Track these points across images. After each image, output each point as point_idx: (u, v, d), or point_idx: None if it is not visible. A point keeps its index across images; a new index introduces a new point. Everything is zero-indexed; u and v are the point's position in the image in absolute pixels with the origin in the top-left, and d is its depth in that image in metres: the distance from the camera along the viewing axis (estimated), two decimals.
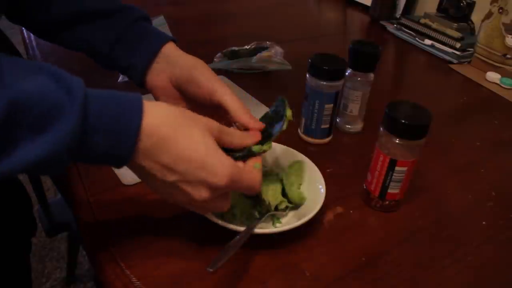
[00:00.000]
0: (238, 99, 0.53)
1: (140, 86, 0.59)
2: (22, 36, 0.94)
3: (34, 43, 0.91)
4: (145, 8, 0.72)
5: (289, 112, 0.53)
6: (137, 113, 0.39)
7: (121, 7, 0.59)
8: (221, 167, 0.42)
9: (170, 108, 0.43)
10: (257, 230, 0.49)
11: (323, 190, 0.56)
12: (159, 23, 0.91)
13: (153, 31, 0.59)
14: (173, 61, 0.57)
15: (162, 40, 0.58)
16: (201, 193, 0.42)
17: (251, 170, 0.47)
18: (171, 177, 0.41)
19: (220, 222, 0.50)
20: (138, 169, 0.42)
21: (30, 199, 0.81)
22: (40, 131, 0.35)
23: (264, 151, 0.50)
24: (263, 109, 0.77)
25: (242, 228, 0.49)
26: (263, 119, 0.54)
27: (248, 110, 0.53)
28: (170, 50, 0.57)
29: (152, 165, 0.41)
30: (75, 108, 0.35)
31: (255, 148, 0.49)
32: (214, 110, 0.54)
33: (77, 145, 0.37)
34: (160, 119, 0.41)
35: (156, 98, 0.58)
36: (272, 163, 0.62)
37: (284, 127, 0.52)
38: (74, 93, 0.36)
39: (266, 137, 0.52)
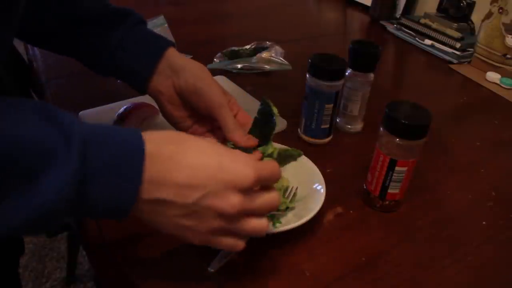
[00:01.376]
0: (231, 115, 0.54)
1: (142, 92, 0.58)
2: None
3: None
4: (145, 8, 0.72)
5: (275, 109, 0.54)
6: (139, 152, 0.35)
7: (117, 10, 0.58)
8: (241, 162, 0.38)
9: (169, 131, 0.40)
10: None
11: (323, 190, 0.56)
12: (159, 23, 0.91)
13: (153, 35, 0.59)
14: (178, 69, 0.55)
15: (164, 44, 0.57)
16: (232, 200, 0.37)
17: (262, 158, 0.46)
18: (193, 195, 0.36)
19: None
20: (152, 207, 0.37)
21: None
22: (32, 181, 0.30)
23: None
24: None
25: None
26: (254, 125, 0.55)
27: (240, 127, 0.53)
28: (173, 56, 0.57)
29: (167, 191, 0.36)
30: (72, 153, 0.32)
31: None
32: (214, 123, 0.55)
33: (76, 193, 0.33)
34: (160, 140, 0.37)
35: (160, 103, 0.58)
36: None
37: (276, 123, 0.53)
38: (68, 134, 0.32)
39: (264, 139, 0.52)
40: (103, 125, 0.36)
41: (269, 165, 0.41)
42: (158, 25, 0.90)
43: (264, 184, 0.41)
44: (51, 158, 0.31)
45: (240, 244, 0.41)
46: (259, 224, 0.41)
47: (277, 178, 0.41)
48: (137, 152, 0.35)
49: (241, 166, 0.38)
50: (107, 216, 0.37)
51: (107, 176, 0.34)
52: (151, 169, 0.35)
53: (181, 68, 0.55)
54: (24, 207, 0.31)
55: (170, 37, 0.88)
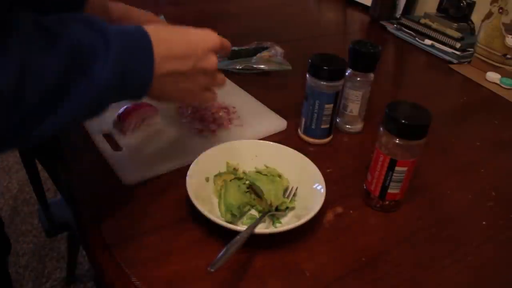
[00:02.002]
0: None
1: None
2: None
3: None
4: (145, 8, 0.73)
5: None
6: (147, 40, 0.45)
7: None
8: (207, 32, 0.52)
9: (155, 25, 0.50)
10: (257, 230, 0.50)
11: (323, 190, 0.56)
12: None
13: None
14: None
15: None
16: (213, 60, 0.52)
17: None
18: (189, 62, 0.49)
19: (220, 222, 0.50)
20: (163, 79, 0.47)
21: (1, 220, 0.80)
22: (86, 73, 0.39)
23: None
24: (264, 110, 0.77)
25: (242, 228, 0.49)
26: None
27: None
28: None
29: (172, 62, 0.47)
30: (113, 50, 0.41)
31: None
32: None
33: (120, 71, 0.42)
34: (154, 29, 0.47)
35: None
36: (274, 163, 0.62)
37: None
38: (108, 37, 0.41)
39: None
40: (120, 27, 0.45)
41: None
42: None
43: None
44: (96, 55, 0.40)
45: (215, 96, 0.57)
46: (223, 77, 0.57)
47: (227, 46, 0.56)
48: (147, 41, 0.45)
49: (211, 34, 0.52)
50: (137, 93, 0.47)
51: (130, 59, 0.44)
52: (158, 49, 0.46)
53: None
54: (84, 91, 0.40)
55: None
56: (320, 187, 0.56)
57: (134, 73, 0.44)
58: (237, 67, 0.90)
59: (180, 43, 0.49)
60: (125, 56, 0.43)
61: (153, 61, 0.45)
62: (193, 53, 0.50)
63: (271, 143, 0.64)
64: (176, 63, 0.48)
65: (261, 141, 0.66)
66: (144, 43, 0.45)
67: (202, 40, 0.51)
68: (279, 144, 0.63)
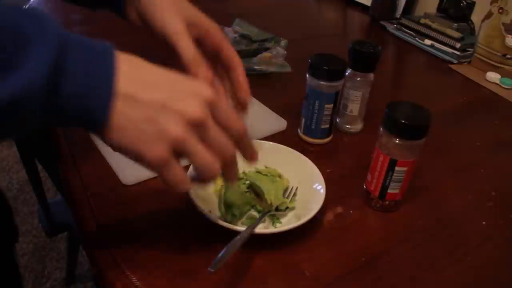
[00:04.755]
0: (189, 44, 0.47)
1: (123, 18, 0.56)
2: None
3: None
4: None
5: None
6: (110, 50, 0.36)
7: None
8: (200, 82, 0.39)
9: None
10: (257, 230, 0.50)
11: (323, 190, 0.56)
12: None
13: None
14: None
15: None
16: (196, 106, 0.37)
17: None
18: (159, 93, 0.36)
19: (220, 222, 0.50)
20: (122, 105, 0.35)
21: (10, 207, 0.79)
22: (10, 65, 0.30)
23: None
24: (264, 110, 0.77)
25: (242, 228, 0.49)
26: None
27: (203, 61, 0.47)
28: None
29: (135, 86, 0.35)
30: (49, 37, 0.31)
31: None
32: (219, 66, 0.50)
33: (54, 79, 0.32)
34: (126, 54, 0.37)
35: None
36: (274, 163, 0.62)
37: None
38: (44, 24, 0.32)
39: None
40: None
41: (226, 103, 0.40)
42: None
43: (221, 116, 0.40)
44: (26, 43, 0.31)
45: (187, 183, 0.39)
46: (226, 142, 0.39)
47: (233, 119, 0.40)
48: (109, 51, 0.35)
49: (201, 83, 0.39)
50: (81, 120, 0.35)
51: (82, 65, 0.33)
52: (123, 65, 0.35)
53: None
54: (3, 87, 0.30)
55: None
56: (320, 187, 0.56)
57: (85, 76, 0.33)
58: None
59: (155, 72, 0.38)
60: (72, 50, 0.33)
61: (113, 68, 0.34)
62: (169, 85, 0.37)
63: (271, 143, 0.64)
64: (144, 86, 0.36)
65: (261, 141, 0.66)
66: (104, 48, 0.35)
67: (189, 83, 0.38)
68: (279, 144, 0.63)
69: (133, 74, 0.36)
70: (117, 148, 0.37)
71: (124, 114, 0.35)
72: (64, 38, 0.33)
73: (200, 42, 0.52)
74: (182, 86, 0.38)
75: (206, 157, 0.38)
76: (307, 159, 0.61)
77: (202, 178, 0.41)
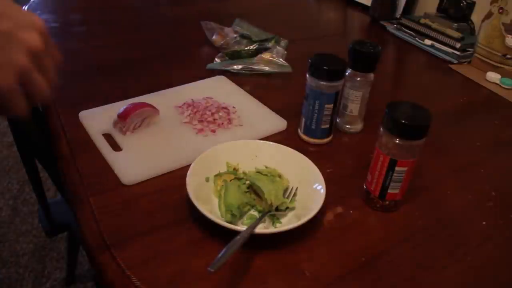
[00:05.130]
0: None
1: None
2: None
3: None
4: (145, 8, 0.72)
5: None
6: None
7: None
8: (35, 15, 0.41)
9: None
10: (257, 230, 0.50)
11: (323, 190, 0.56)
12: None
13: None
14: None
15: None
16: (37, 37, 0.39)
17: None
18: (4, 23, 0.37)
19: (220, 222, 0.50)
20: None
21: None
22: None
23: None
24: (264, 110, 0.77)
25: (242, 228, 0.49)
26: None
27: None
28: None
29: None
30: None
31: None
32: None
33: None
34: None
35: None
36: (274, 163, 0.62)
37: None
38: None
39: None
40: None
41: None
42: None
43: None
44: None
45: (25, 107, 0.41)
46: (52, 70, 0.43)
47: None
48: None
49: (35, 15, 0.41)
50: None
51: None
52: None
53: None
54: None
55: None
56: (320, 187, 0.56)
57: None
58: (237, 68, 0.90)
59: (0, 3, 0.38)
60: None
61: None
62: (13, 16, 0.38)
63: (271, 143, 0.64)
64: None
65: (261, 141, 0.66)
66: None
67: (29, 14, 0.40)
68: (279, 144, 0.63)
69: None
70: None
71: None
72: None
73: None
74: (24, 17, 0.40)
75: (43, 85, 0.41)
76: (307, 159, 0.61)
77: (35, 103, 0.42)
